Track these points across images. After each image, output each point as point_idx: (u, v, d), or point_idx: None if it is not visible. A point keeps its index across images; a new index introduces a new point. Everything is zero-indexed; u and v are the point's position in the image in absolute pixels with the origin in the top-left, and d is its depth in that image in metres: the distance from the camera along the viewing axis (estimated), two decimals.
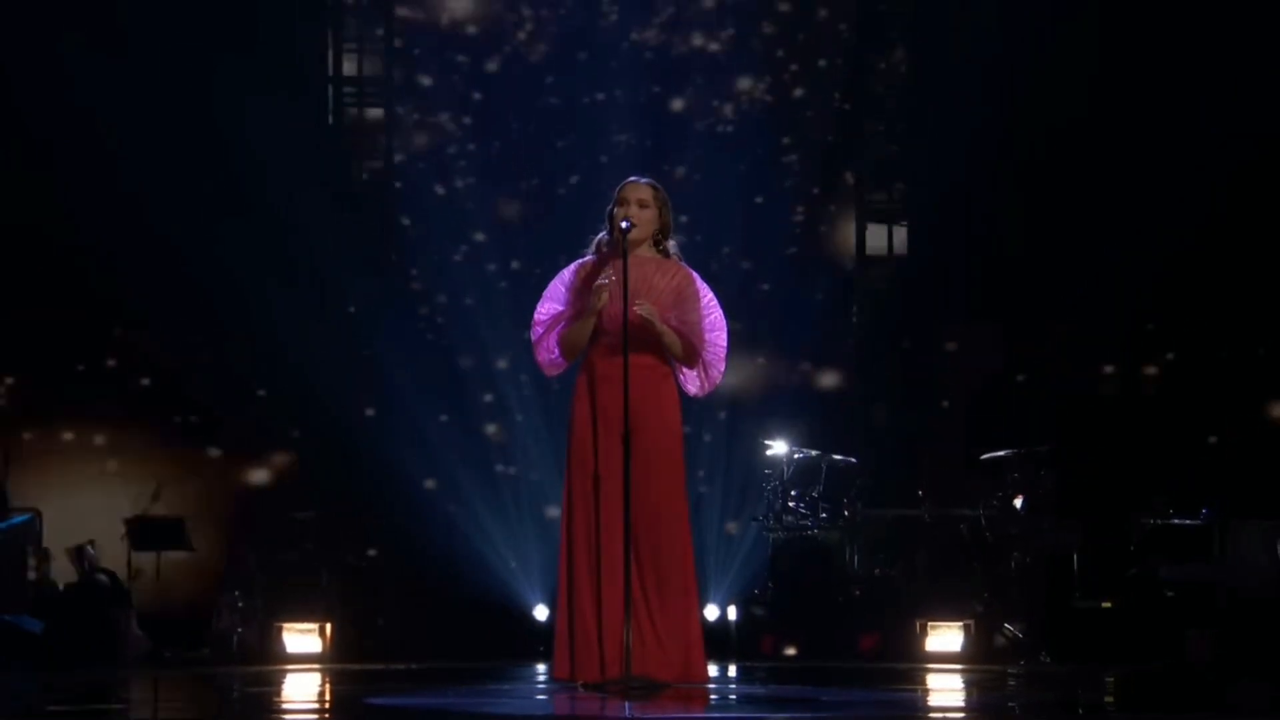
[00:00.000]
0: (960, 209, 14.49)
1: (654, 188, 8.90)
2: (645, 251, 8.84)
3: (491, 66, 14.77)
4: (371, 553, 13.85)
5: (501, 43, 14.78)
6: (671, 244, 8.92)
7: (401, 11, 14.89)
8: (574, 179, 14.54)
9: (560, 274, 8.97)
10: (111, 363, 14.42)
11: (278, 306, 13.97)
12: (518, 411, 14.40)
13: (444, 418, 14.37)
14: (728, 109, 14.80)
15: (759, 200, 14.68)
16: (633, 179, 8.95)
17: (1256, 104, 13.79)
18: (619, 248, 8.76)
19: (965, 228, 14.53)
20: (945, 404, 14.61)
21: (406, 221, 14.78)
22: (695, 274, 8.92)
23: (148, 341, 14.36)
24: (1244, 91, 13.84)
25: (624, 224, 8.71)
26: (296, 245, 14.13)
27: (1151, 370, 14.41)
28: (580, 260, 8.96)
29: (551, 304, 8.91)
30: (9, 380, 14.33)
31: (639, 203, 8.82)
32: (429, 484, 14.20)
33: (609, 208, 8.90)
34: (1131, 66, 13.97)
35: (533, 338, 8.95)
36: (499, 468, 14.40)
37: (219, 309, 14.16)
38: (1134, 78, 14.00)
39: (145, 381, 14.46)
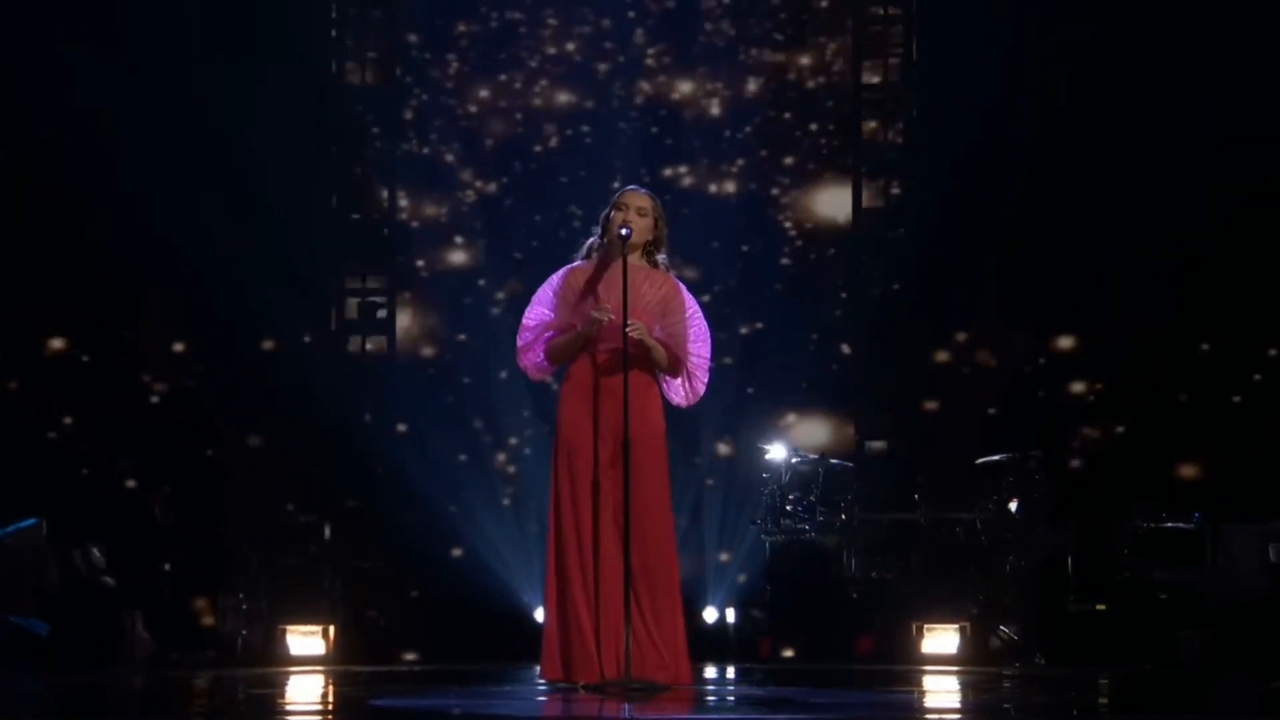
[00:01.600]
0: (960, 209, 14.53)
1: (652, 198, 8.98)
2: (636, 260, 8.89)
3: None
4: (368, 564, 13.87)
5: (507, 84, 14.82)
6: (661, 256, 8.99)
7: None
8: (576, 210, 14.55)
9: (550, 279, 8.98)
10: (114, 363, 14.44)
11: (278, 307, 14.02)
12: (514, 436, 14.46)
13: (463, 457, 14.39)
14: (724, 170, 14.81)
15: (745, 249, 14.72)
16: (632, 187, 9.04)
17: (1256, 105, 13.83)
18: (612, 251, 8.83)
19: (965, 228, 14.55)
20: (943, 407, 14.64)
21: (420, 263, 14.86)
22: (682, 285, 8.99)
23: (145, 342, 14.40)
24: (1244, 92, 13.88)
25: (623, 230, 8.78)
26: (300, 255, 14.19)
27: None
28: (570, 265, 9.01)
29: (540, 309, 8.95)
30: (68, 420, 14.30)
31: (638, 210, 8.89)
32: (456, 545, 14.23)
33: (605, 212, 8.96)
34: (1132, 67, 13.99)
35: (519, 342, 8.96)
36: (505, 500, 14.43)
37: (218, 310, 14.19)
38: (1134, 78, 14.02)
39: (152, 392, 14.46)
